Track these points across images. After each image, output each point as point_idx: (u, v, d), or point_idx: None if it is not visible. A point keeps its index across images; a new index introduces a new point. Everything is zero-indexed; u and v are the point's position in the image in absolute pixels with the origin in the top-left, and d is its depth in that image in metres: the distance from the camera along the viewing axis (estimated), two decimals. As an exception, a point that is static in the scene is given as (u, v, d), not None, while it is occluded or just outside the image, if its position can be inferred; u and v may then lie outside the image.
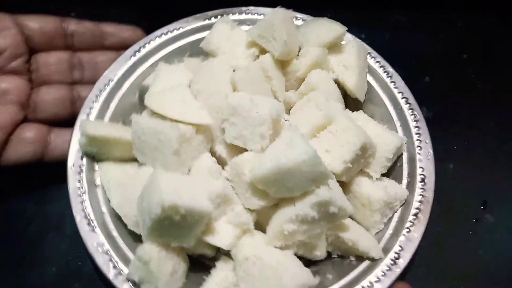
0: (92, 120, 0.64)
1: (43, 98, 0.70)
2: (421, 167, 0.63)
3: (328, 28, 0.68)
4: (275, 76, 0.65)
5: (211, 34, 0.70)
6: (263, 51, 0.67)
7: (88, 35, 0.73)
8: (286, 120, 0.66)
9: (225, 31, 0.70)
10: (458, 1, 0.91)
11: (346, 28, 0.69)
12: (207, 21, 0.75)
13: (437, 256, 0.69)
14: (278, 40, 0.64)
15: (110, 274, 0.54)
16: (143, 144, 0.58)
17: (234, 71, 0.64)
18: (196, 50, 0.73)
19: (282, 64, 0.69)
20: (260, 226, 0.59)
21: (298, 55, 0.69)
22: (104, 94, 0.67)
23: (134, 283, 0.53)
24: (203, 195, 0.53)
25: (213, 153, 0.62)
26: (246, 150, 0.58)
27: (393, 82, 0.70)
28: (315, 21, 0.72)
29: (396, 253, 0.57)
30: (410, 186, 0.63)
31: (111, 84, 0.68)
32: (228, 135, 0.58)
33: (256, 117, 0.56)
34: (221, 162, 0.61)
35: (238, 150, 0.59)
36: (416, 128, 0.66)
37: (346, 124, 0.58)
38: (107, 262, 0.55)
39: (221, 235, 0.55)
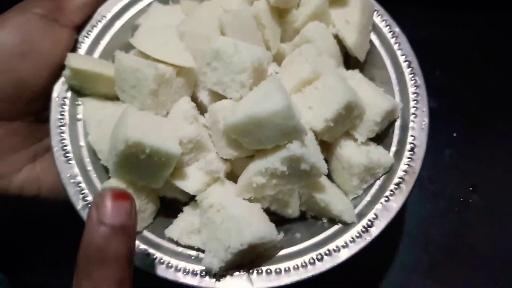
0: (81, 54, 0.64)
1: None
2: (412, 136, 0.59)
3: (333, -22, 0.63)
4: (269, 24, 0.62)
5: (207, -27, 0.66)
6: (260, -3, 0.63)
7: None
8: (276, 73, 0.63)
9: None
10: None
11: (351, -21, 0.64)
12: None
13: (422, 229, 0.76)
14: (274, -15, 0.60)
15: (79, 205, 0.55)
16: (123, 82, 0.57)
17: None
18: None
19: (281, 13, 0.65)
20: (235, 176, 0.58)
21: (298, 6, 0.65)
22: (96, 31, 0.66)
23: None
24: (173, 138, 0.52)
25: (195, 99, 0.60)
26: (227, 98, 0.56)
27: (398, 43, 0.65)
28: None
29: (369, 220, 0.55)
30: (398, 154, 0.59)
31: (104, 21, 0.66)
32: (208, 81, 0.56)
33: (238, 63, 0.53)
34: (202, 109, 0.60)
35: (219, 97, 0.57)
36: (415, 95, 0.62)
37: (333, 81, 0.55)
38: (77, 193, 0.56)
39: (190, 180, 0.54)
